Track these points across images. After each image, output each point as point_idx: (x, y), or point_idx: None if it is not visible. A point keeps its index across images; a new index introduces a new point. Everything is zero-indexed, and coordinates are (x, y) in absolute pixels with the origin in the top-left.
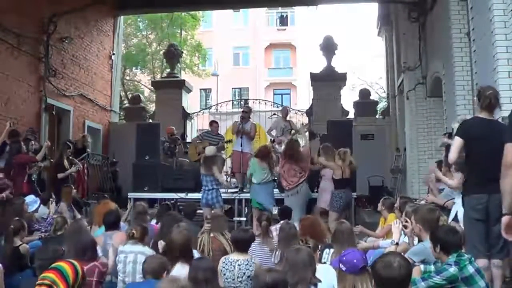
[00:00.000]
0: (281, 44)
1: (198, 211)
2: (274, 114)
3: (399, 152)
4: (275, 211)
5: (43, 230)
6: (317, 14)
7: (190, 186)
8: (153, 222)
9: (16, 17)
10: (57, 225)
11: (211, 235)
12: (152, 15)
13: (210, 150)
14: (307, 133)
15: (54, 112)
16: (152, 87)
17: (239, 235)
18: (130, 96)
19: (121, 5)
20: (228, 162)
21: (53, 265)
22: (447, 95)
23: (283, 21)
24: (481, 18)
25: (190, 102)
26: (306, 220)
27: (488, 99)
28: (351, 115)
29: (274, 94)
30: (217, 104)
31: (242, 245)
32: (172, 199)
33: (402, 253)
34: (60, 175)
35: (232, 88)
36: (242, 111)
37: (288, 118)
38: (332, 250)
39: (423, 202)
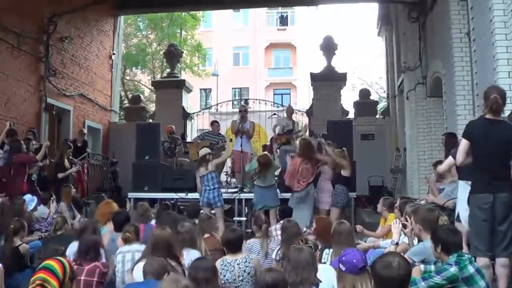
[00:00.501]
0: (281, 44)
1: (202, 211)
2: (274, 114)
3: (399, 152)
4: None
5: (43, 230)
6: (317, 14)
7: (190, 186)
8: (153, 222)
9: (16, 17)
10: (57, 224)
11: (205, 235)
12: (152, 15)
13: (203, 151)
14: (307, 133)
15: (54, 112)
16: (152, 87)
17: (229, 236)
18: (130, 96)
19: (121, 5)
20: (228, 162)
21: (40, 265)
22: (447, 95)
23: (283, 21)
24: (481, 18)
25: (190, 102)
26: (322, 221)
27: (491, 103)
28: (351, 115)
29: (274, 94)
30: (217, 104)
31: (233, 246)
32: (172, 199)
33: (402, 253)
34: (60, 175)
35: (232, 88)
36: (240, 111)
37: (293, 118)
38: (331, 250)
39: (423, 202)
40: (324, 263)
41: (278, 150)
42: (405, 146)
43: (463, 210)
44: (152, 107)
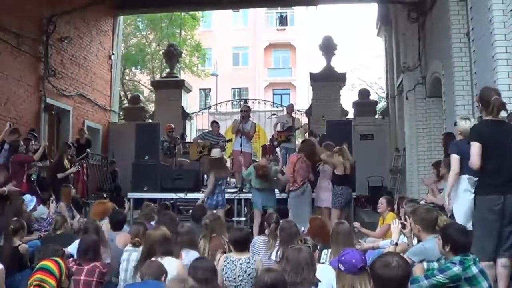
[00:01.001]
0: (281, 44)
1: None
2: (274, 114)
3: (398, 152)
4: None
5: (43, 230)
6: (316, 14)
7: (190, 186)
8: (153, 222)
9: (16, 17)
10: (56, 224)
11: (214, 234)
12: (152, 15)
13: (217, 152)
14: (306, 134)
15: (53, 112)
16: (151, 87)
17: (236, 235)
18: (129, 96)
19: (120, 5)
20: (228, 162)
21: (37, 266)
22: (447, 95)
23: (283, 21)
24: (481, 18)
25: (190, 102)
26: (317, 221)
27: (496, 104)
28: (350, 115)
29: (274, 94)
30: (216, 104)
31: (241, 245)
32: (172, 199)
33: (401, 253)
34: (59, 175)
35: (232, 88)
36: (241, 111)
37: (293, 115)
38: (330, 250)
39: (422, 202)
40: (323, 263)
41: (278, 148)
42: (404, 146)
43: (462, 205)
44: (151, 107)
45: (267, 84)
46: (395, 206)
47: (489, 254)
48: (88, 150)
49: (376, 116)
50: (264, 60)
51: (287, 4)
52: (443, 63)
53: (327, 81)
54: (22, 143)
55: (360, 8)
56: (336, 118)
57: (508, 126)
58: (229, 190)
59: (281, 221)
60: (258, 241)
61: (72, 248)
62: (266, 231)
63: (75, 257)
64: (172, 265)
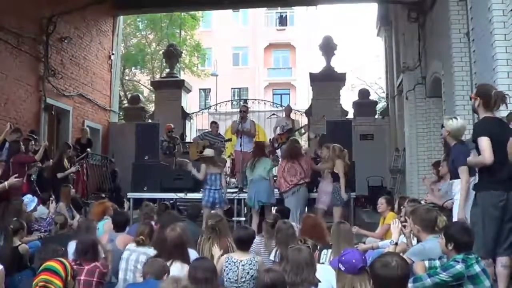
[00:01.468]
0: (281, 44)
1: (201, 211)
2: (273, 114)
3: (398, 152)
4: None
5: (42, 230)
6: (316, 14)
7: (189, 186)
8: (152, 222)
9: (16, 17)
10: (60, 224)
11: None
12: (152, 15)
13: (210, 152)
14: (306, 134)
15: (53, 112)
16: (151, 87)
17: (241, 233)
18: (129, 96)
19: (120, 5)
20: (228, 162)
21: (41, 267)
22: (447, 95)
23: (283, 21)
24: (481, 19)
25: (190, 102)
26: (309, 219)
27: (497, 98)
28: (350, 115)
29: (274, 94)
30: (216, 104)
31: (245, 244)
32: (172, 199)
33: (401, 253)
34: (59, 175)
35: (232, 88)
36: (240, 111)
37: (291, 117)
38: (329, 250)
39: (422, 202)
40: (323, 263)
41: (279, 150)
42: (404, 146)
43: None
44: (151, 107)
45: (267, 84)
46: (396, 206)
47: (490, 252)
48: (88, 149)
49: (376, 116)
50: (264, 60)
51: (287, 4)
52: (443, 63)
53: (327, 81)
54: (21, 143)
55: (360, 8)
56: (336, 118)
57: (507, 126)
58: (229, 190)
59: (278, 221)
60: (255, 241)
61: (69, 251)
62: (264, 230)
63: (73, 257)
64: (185, 270)
